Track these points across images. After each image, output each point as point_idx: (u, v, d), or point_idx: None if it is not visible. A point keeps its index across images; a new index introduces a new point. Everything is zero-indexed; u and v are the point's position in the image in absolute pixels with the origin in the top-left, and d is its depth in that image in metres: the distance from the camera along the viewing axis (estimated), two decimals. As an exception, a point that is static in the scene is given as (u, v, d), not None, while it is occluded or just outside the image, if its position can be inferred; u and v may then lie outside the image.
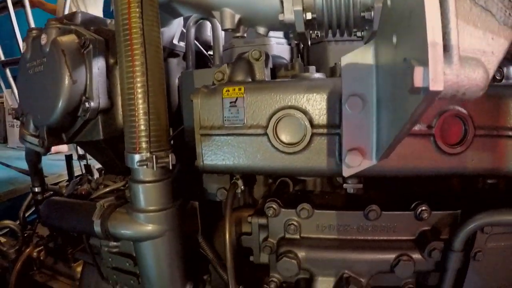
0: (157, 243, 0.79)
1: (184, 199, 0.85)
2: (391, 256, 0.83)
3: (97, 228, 0.82)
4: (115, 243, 0.93)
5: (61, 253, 1.29)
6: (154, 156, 0.74)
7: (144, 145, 0.75)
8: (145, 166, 0.75)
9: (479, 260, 0.84)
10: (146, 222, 0.78)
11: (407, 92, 0.43)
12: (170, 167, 0.76)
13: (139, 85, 0.76)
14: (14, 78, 3.12)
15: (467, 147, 0.76)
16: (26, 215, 1.55)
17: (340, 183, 1.01)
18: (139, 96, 0.76)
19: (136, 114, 0.76)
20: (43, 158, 1.26)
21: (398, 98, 0.52)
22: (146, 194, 0.77)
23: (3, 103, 4.04)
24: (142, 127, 0.75)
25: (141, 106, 0.76)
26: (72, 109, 1.02)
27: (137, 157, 0.76)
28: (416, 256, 0.85)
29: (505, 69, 1.02)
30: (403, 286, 0.92)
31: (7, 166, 1.89)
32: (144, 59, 0.76)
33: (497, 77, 0.88)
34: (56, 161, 2.49)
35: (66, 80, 0.98)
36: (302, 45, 1.21)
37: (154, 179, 0.77)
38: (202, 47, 1.36)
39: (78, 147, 1.56)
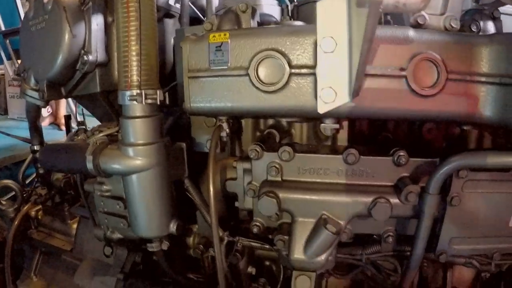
0: (144, 177, 0.93)
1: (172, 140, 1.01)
2: (368, 199, 0.95)
3: (89, 164, 0.97)
4: (107, 187, 1.08)
5: (58, 211, 1.47)
6: (143, 92, 0.90)
7: (135, 82, 0.90)
8: (135, 102, 0.91)
9: (456, 206, 0.95)
10: (134, 156, 0.92)
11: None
12: (158, 103, 0.91)
13: (132, 28, 0.91)
14: (15, 50, 3.38)
15: (440, 89, 0.87)
16: (27, 181, 1.75)
17: (326, 136, 1.14)
18: (132, 38, 0.90)
19: (129, 55, 0.90)
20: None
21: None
22: (135, 129, 0.92)
23: (3, 74, 4.35)
24: (134, 66, 0.90)
25: (133, 47, 0.91)
26: (71, 62, 1.18)
27: (128, 93, 0.90)
28: (394, 200, 0.96)
29: (481, 23, 1.13)
30: (383, 234, 1.04)
31: (7, 135, 2.10)
32: (138, 7, 0.92)
33: (473, 30, 0.98)
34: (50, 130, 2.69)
35: (66, 35, 1.15)
36: (291, 5, 1.35)
37: (143, 114, 0.91)
38: (198, 11, 1.51)
39: (78, 115, 1.75)
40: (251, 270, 1.15)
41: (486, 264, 1.12)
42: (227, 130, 0.98)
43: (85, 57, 1.15)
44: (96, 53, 1.16)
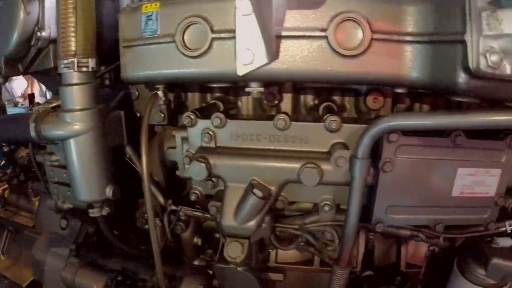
0: (81, 141, 1.01)
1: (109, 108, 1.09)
2: (298, 165, 1.00)
3: (32, 132, 1.06)
4: (55, 157, 1.18)
5: (22, 189, 1.59)
6: (76, 60, 0.99)
7: (70, 52, 0.99)
8: (70, 70, 1.00)
9: (389, 172, 0.98)
10: (71, 121, 1.00)
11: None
12: (90, 70, 1.00)
13: (70, 1, 1.02)
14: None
15: (365, 50, 0.91)
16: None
17: (270, 107, 1.18)
18: (69, 11, 1.00)
19: (66, 27, 1.00)
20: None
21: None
22: (71, 96, 1.00)
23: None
24: (70, 37, 0.99)
25: (70, 19, 1.00)
26: (26, 38, 1.29)
27: (64, 62, 1.00)
28: (325, 166, 1.01)
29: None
30: (320, 203, 1.08)
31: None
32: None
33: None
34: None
35: (21, 12, 1.27)
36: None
37: (77, 82, 0.99)
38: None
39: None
40: (197, 240, 1.22)
41: (434, 237, 1.14)
42: (162, 98, 1.06)
43: (39, 33, 1.25)
44: (50, 29, 1.27)
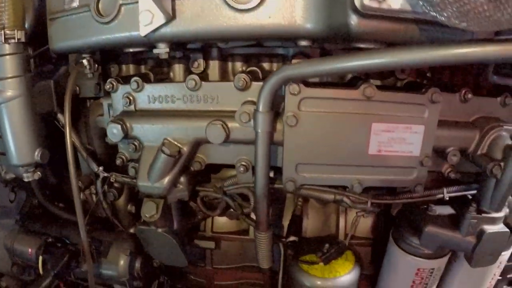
0: (11, 106, 1.06)
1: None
2: (205, 123, 0.99)
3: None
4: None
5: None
6: (3, 32, 1.07)
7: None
8: (0, 42, 1.09)
9: (293, 126, 0.94)
10: (3, 88, 1.10)
11: None
12: (16, 41, 1.08)
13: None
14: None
15: (259, 2, 0.89)
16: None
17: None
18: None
19: None
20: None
21: None
22: (2, 65, 1.10)
23: None
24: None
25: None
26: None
27: (-8, 34, 1.10)
28: (231, 123, 0.99)
29: None
30: (236, 163, 1.06)
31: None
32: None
33: None
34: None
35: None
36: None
37: (8, 52, 1.07)
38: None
39: None
40: (131, 208, 1.24)
41: (361, 202, 1.08)
42: (87, 66, 1.11)
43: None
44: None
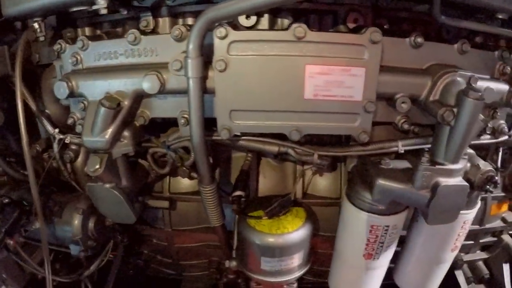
0: None
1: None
2: (142, 75, 0.99)
3: None
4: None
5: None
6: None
7: None
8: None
9: (222, 71, 0.92)
10: None
11: None
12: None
13: None
14: None
15: None
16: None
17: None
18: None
19: None
20: None
21: None
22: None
23: None
24: None
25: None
26: None
27: None
28: (166, 74, 0.98)
29: None
30: (179, 116, 1.05)
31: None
32: None
33: None
34: None
35: None
36: None
37: None
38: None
39: None
40: (88, 170, 1.26)
41: (307, 154, 1.04)
42: (38, 30, 1.14)
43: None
44: None
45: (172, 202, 1.23)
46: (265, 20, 1.03)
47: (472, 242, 1.46)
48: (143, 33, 1.02)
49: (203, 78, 0.92)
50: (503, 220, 1.44)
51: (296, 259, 1.11)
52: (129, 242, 1.29)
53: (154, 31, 1.14)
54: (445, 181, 0.97)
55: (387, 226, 1.04)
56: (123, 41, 1.03)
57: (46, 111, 1.24)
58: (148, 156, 1.13)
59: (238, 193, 1.07)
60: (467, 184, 0.98)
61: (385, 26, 1.13)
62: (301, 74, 0.90)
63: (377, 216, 1.03)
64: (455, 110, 0.91)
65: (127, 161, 1.09)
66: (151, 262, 1.41)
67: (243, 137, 1.02)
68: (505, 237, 1.47)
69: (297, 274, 1.15)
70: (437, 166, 0.97)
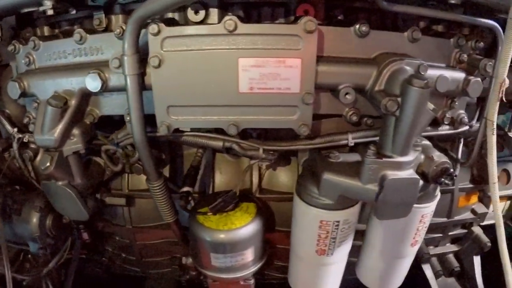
0: None
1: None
2: (86, 73, 1.00)
3: None
4: None
5: None
6: None
7: None
8: None
9: (156, 67, 0.91)
10: None
11: None
12: None
13: None
14: None
15: None
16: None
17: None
18: None
19: None
20: None
21: None
22: None
23: None
24: None
25: None
26: None
27: None
28: (109, 72, 0.99)
29: None
30: (125, 113, 1.05)
31: None
32: None
33: None
34: None
35: None
36: None
37: None
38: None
39: None
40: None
41: (252, 149, 1.03)
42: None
43: None
44: None
45: (131, 199, 1.25)
46: (214, 14, 1.03)
47: (441, 235, 1.41)
48: (91, 31, 1.04)
49: (141, 75, 0.92)
50: (473, 212, 1.38)
51: (249, 255, 1.10)
52: (92, 240, 1.32)
53: (107, 29, 1.16)
54: (393, 174, 0.93)
55: (338, 222, 1.02)
56: (71, 40, 1.05)
57: (6, 110, 1.28)
58: (102, 153, 1.15)
59: (185, 189, 1.07)
60: (417, 177, 0.94)
61: (339, 17, 1.11)
62: (234, 67, 0.89)
63: (326, 211, 1.00)
64: (399, 99, 0.88)
65: (79, 159, 1.11)
66: (116, 260, 1.44)
67: (186, 133, 1.01)
68: (476, 229, 1.41)
69: (252, 269, 1.14)
70: (384, 159, 0.93)
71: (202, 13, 1.01)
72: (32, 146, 1.26)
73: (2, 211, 1.15)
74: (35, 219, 1.16)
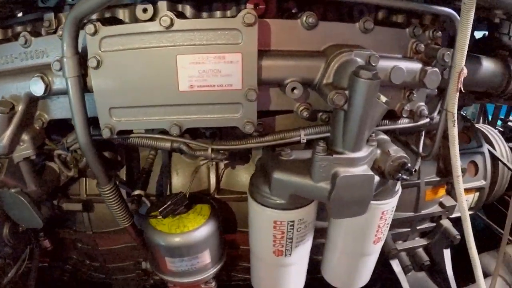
0: None
1: None
2: (30, 77, 0.99)
3: None
4: None
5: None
6: None
7: None
8: None
9: (96, 68, 0.89)
10: None
11: None
12: None
13: None
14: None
15: None
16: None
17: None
18: None
19: None
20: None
21: None
22: None
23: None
24: None
25: None
26: None
27: None
28: (53, 76, 0.98)
29: None
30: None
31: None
32: None
33: None
34: None
35: None
36: None
37: None
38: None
39: None
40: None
41: (201, 149, 1.00)
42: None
43: None
44: None
45: (89, 204, 1.23)
46: (163, 11, 1.01)
47: (409, 229, 1.36)
48: (36, 34, 1.03)
49: (82, 76, 0.91)
50: (441, 205, 1.34)
51: (206, 257, 1.07)
52: (53, 247, 1.31)
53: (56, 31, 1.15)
54: (345, 171, 0.89)
55: (292, 222, 0.98)
56: (16, 44, 1.04)
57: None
58: (55, 158, 1.13)
59: (137, 192, 1.05)
60: (371, 173, 0.91)
61: (293, 10, 1.08)
62: (173, 65, 0.87)
63: (279, 211, 0.97)
64: (347, 92, 0.85)
65: (31, 165, 1.09)
66: (81, 267, 1.42)
67: (132, 135, 0.99)
68: (444, 222, 1.36)
69: (211, 272, 1.11)
70: (335, 156, 0.90)
71: (150, 11, 0.99)
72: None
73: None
74: (-8, 228, 1.15)
